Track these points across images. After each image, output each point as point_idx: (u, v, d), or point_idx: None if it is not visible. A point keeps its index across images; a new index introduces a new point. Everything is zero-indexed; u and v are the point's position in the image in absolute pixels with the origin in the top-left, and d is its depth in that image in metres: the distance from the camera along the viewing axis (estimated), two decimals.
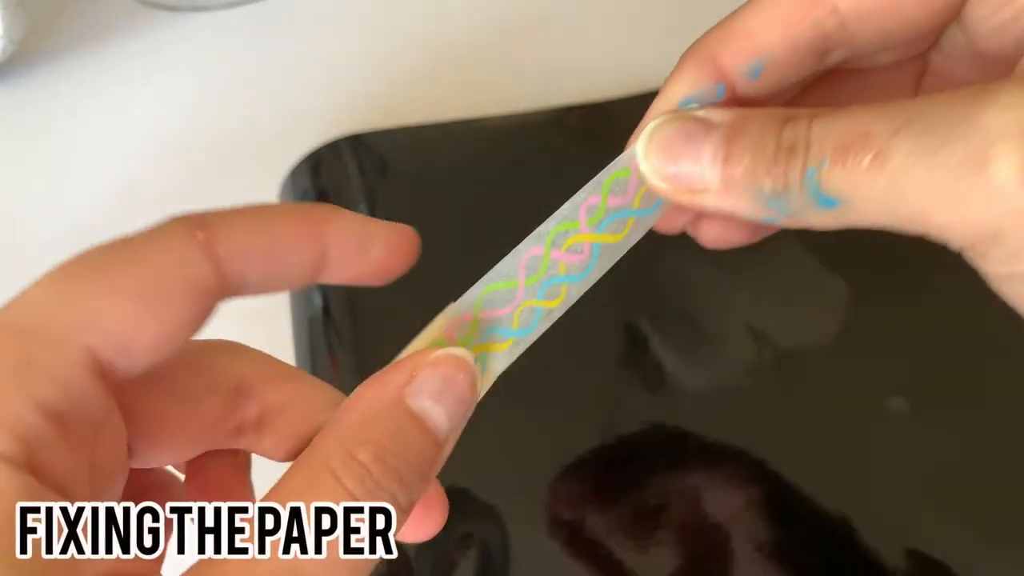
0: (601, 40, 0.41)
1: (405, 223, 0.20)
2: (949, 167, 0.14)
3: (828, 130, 0.16)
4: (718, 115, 0.17)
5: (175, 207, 0.21)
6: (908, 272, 0.26)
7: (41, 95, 0.40)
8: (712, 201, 0.17)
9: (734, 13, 0.18)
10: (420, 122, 0.36)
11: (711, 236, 0.20)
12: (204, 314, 0.16)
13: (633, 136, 0.19)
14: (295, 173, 0.35)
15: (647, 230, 0.19)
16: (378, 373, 0.16)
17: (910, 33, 0.18)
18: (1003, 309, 0.29)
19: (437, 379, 0.16)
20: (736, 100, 0.18)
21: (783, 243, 0.30)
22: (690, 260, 0.29)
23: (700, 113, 0.18)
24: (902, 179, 0.15)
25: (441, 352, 0.16)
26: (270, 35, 0.43)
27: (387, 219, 0.19)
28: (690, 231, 0.20)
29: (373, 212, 0.32)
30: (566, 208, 0.18)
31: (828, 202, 0.16)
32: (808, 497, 0.25)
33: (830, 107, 0.16)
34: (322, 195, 0.34)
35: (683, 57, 0.19)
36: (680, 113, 0.18)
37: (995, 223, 0.15)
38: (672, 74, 0.19)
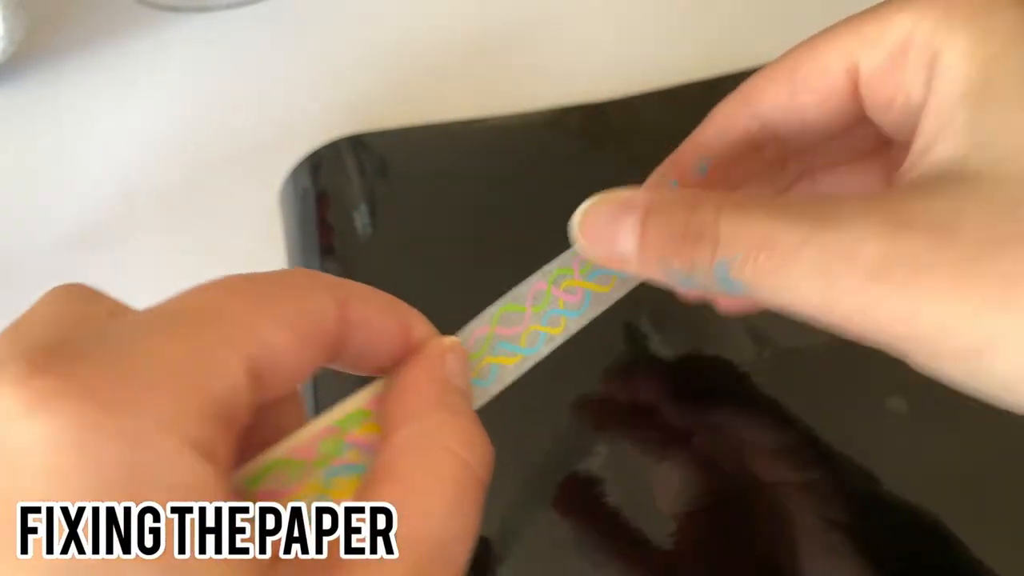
0: (601, 40, 0.41)
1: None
2: (839, 285, 0.17)
3: (737, 228, 0.18)
4: (640, 196, 0.20)
5: (173, 207, 0.21)
6: None
7: (41, 95, 0.40)
8: (635, 270, 0.20)
9: (707, 118, 0.23)
10: (420, 123, 0.36)
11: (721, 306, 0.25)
12: (321, 364, 0.17)
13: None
14: (295, 173, 0.35)
15: (631, 287, 0.22)
16: (418, 358, 0.18)
17: (820, 134, 0.21)
18: None
19: (461, 361, 0.19)
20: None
21: None
22: None
23: (626, 194, 0.20)
24: (803, 287, 0.17)
25: (448, 341, 0.19)
26: (270, 35, 0.43)
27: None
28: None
29: (374, 213, 0.33)
30: (566, 255, 0.22)
31: (734, 287, 0.18)
32: (807, 497, 0.25)
33: (731, 195, 0.19)
34: (322, 195, 0.34)
35: (665, 162, 0.23)
36: (608, 194, 0.20)
37: (874, 335, 0.17)
38: (651, 177, 0.23)
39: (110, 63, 0.41)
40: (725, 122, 0.22)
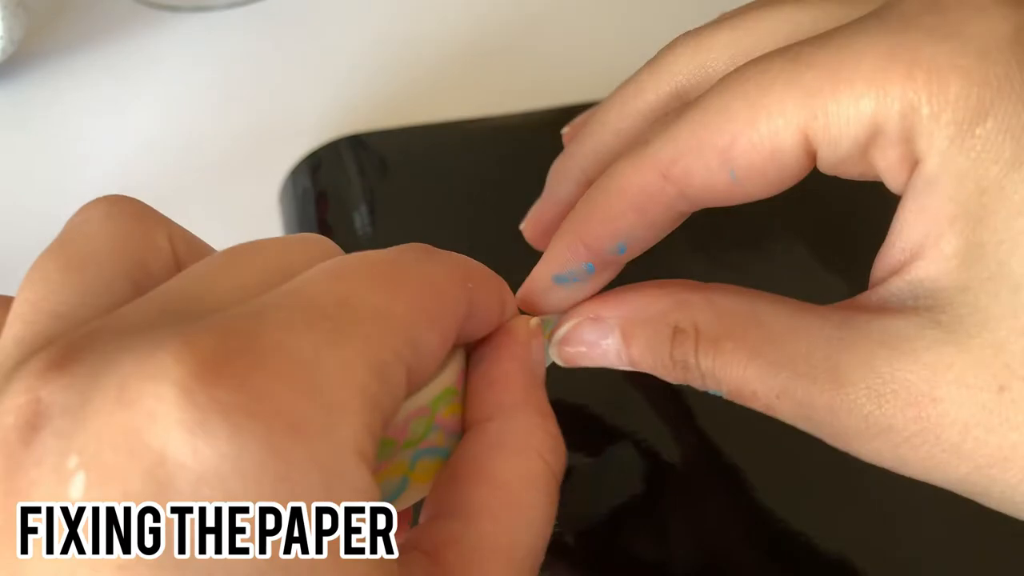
0: (601, 40, 0.41)
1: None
2: (822, 432, 0.17)
3: (720, 372, 0.18)
4: (609, 312, 0.19)
5: (173, 207, 0.21)
6: None
7: (41, 95, 0.40)
8: (631, 368, 0.20)
9: (590, 194, 0.19)
10: (420, 122, 0.36)
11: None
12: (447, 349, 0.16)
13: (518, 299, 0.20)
14: (295, 173, 0.35)
15: None
16: (507, 340, 0.18)
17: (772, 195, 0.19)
18: None
19: (541, 347, 0.19)
20: (605, 276, 0.20)
21: (783, 243, 0.30)
22: (689, 259, 0.29)
23: (591, 315, 0.20)
24: (789, 419, 0.18)
25: (533, 322, 0.19)
26: (270, 35, 0.43)
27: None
28: None
29: (373, 212, 0.32)
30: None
31: (714, 390, 0.19)
32: (807, 498, 0.25)
33: (712, 326, 0.18)
34: (322, 195, 0.34)
35: (555, 237, 0.20)
36: (578, 317, 0.20)
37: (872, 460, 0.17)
38: (545, 254, 0.20)
39: (110, 63, 0.41)
40: (642, 200, 0.18)
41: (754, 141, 0.16)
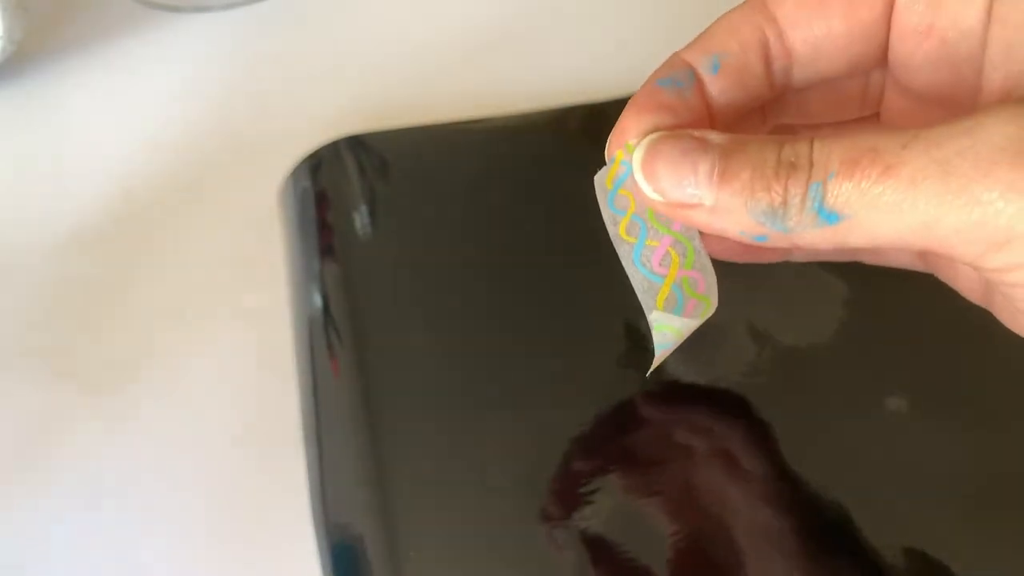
0: (601, 40, 0.41)
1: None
2: (961, 174, 0.15)
3: (832, 148, 0.17)
4: (715, 136, 0.18)
5: (174, 207, 0.21)
6: (908, 272, 0.26)
7: (41, 95, 0.40)
8: (703, 218, 0.18)
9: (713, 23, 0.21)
10: (421, 123, 0.36)
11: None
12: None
13: (612, 138, 0.21)
14: (295, 173, 0.35)
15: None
16: None
17: (831, 65, 0.20)
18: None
19: None
20: (704, 100, 0.20)
21: None
22: None
23: (697, 133, 0.19)
24: (913, 189, 0.16)
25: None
26: (270, 35, 0.43)
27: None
28: None
29: (374, 213, 0.33)
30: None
31: (830, 217, 0.17)
32: (807, 497, 0.25)
33: (827, 133, 0.18)
34: (322, 196, 0.34)
35: (669, 59, 0.21)
36: (678, 132, 0.19)
37: (1008, 229, 0.15)
38: (657, 70, 0.21)
39: (110, 63, 0.41)
40: (739, 21, 0.20)
41: None
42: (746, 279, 0.21)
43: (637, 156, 0.19)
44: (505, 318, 0.29)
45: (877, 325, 0.29)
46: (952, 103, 0.19)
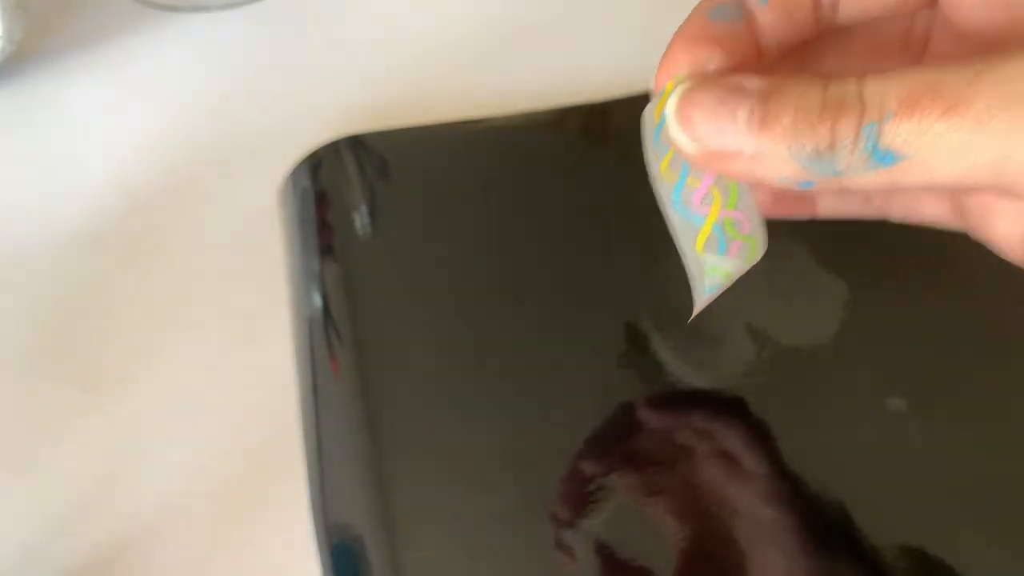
0: (601, 40, 0.41)
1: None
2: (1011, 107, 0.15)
3: (887, 87, 0.16)
4: (753, 81, 0.17)
5: (174, 207, 0.21)
6: (908, 272, 0.26)
7: (40, 95, 0.40)
8: (744, 166, 0.17)
9: None
10: (420, 123, 0.36)
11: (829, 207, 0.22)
12: None
13: (660, 70, 0.19)
14: (295, 174, 0.35)
15: None
16: None
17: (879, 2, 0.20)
18: (1003, 308, 0.29)
19: None
20: (752, 34, 0.19)
21: (783, 243, 0.30)
22: None
23: (733, 79, 0.18)
24: (983, 127, 0.15)
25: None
26: (270, 35, 0.43)
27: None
28: None
29: (374, 213, 0.32)
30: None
31: (885, 158, 0.16)
32: (808, 496, 0.25)
33: (872, 70, 0.17)
34: (322, 196, 0.34)
35: None
36: (712, 78, 0.18)
37: None
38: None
39: (109, 63, 0.41)
40: None
41: None
42: (745, 278, 0.21)
43: (671, 105, 0.18)
44: (505, 318, 0.29)
45: (877, 325, 0.29)
46: (1004, 46, 0.17)
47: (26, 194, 0.36)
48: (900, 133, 0.16)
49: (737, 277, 0.20)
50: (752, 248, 0.20)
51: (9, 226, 0.35)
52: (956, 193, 0.20)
